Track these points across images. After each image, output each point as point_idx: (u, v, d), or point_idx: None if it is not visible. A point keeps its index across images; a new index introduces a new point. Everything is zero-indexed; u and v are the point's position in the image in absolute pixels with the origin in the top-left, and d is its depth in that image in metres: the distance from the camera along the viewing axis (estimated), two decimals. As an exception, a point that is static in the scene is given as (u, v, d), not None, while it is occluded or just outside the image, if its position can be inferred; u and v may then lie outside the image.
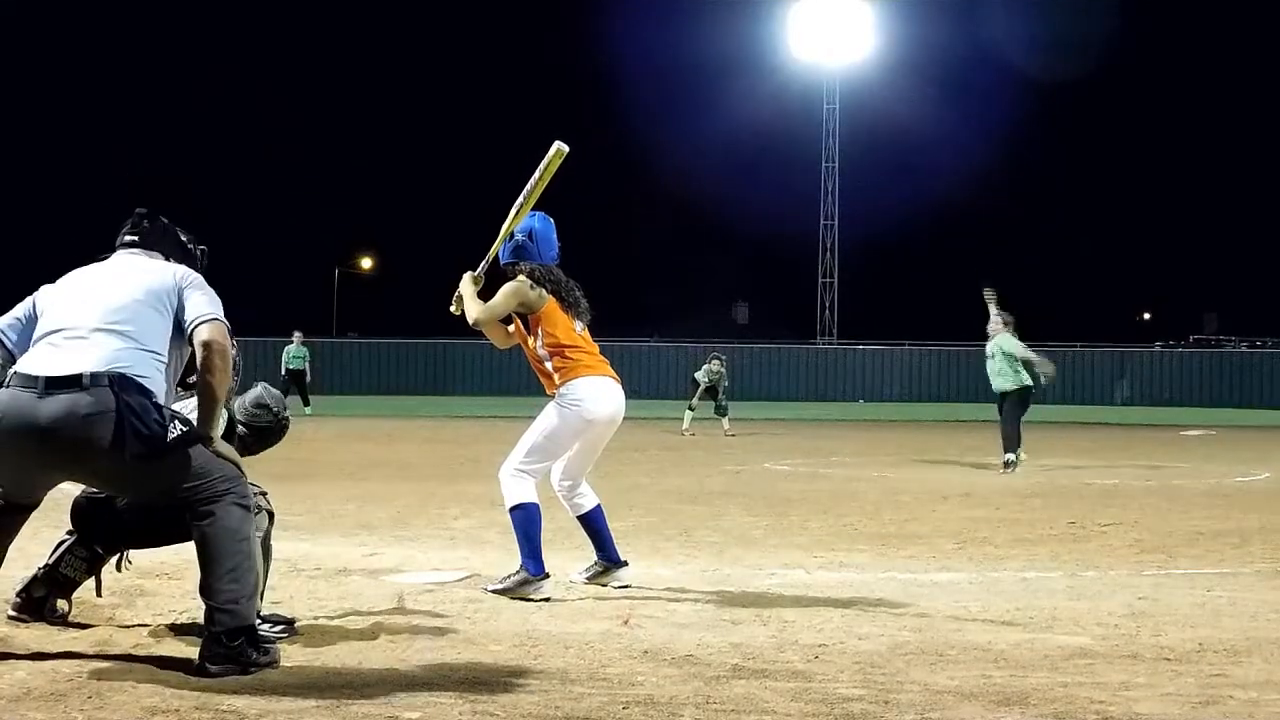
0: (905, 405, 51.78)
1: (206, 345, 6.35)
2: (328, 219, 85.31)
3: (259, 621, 6.47)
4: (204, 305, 6.48)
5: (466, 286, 8.83)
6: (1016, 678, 6.28)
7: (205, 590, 6.22)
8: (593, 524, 9.04)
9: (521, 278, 8.77)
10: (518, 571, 8.46)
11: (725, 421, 30.61)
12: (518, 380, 56.07)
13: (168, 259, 6.78)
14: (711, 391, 30.98)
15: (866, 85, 68.01)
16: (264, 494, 6.99)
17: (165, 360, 6.43)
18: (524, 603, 8.14)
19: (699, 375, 31.25)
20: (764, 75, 68.71)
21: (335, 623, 7.43)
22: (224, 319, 6.48)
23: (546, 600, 8.23)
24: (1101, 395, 55.73)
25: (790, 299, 73.51)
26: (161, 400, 6.33)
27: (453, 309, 8.97)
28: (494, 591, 8.42)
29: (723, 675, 6.28)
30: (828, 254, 67.19)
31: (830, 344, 64.05)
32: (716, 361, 31.37)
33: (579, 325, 8.89)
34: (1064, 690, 6.05)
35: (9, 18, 71.11)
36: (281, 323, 47.07)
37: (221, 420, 6.65)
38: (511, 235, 8.88)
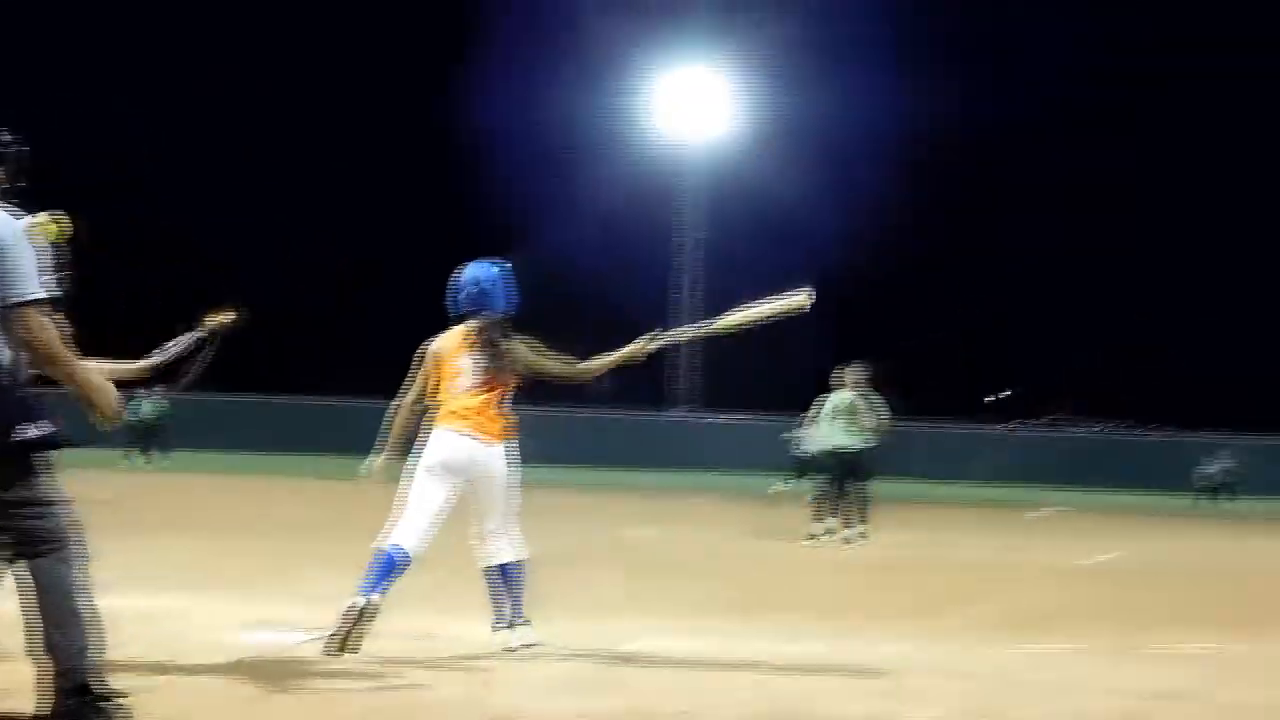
0: (763, 476, 51.99)
1: (26, 343, 5.82)
2: (187, 270, 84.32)
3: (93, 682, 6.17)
4: (17, 279, 5.84)
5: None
6: (868, 749, 6.34)
7: (39, 646, 5.94)
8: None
9: (462, 330, 8.95)
10: None
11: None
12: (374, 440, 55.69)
13: None
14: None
15: (727, 157, 68.49)
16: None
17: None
18: (377, 665, 8.07)
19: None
20: (626, 146, 68.95)
21: (189, 681, 7.34)
22: (38, 290, 5.86)
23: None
24: (956, 472, 56.29)
25: (644, 367, 73.52)
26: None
27: None
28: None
29: (577, 741, 6.28)
30: (684, 324, 67.49)
31: (690, 413, 64.22)
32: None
33: (464, 382, 8.96)
34: (914, 763, 6.11)
35: None
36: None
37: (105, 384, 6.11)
38: (465, 283, 9.02)
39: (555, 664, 8.42)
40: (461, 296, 9.04)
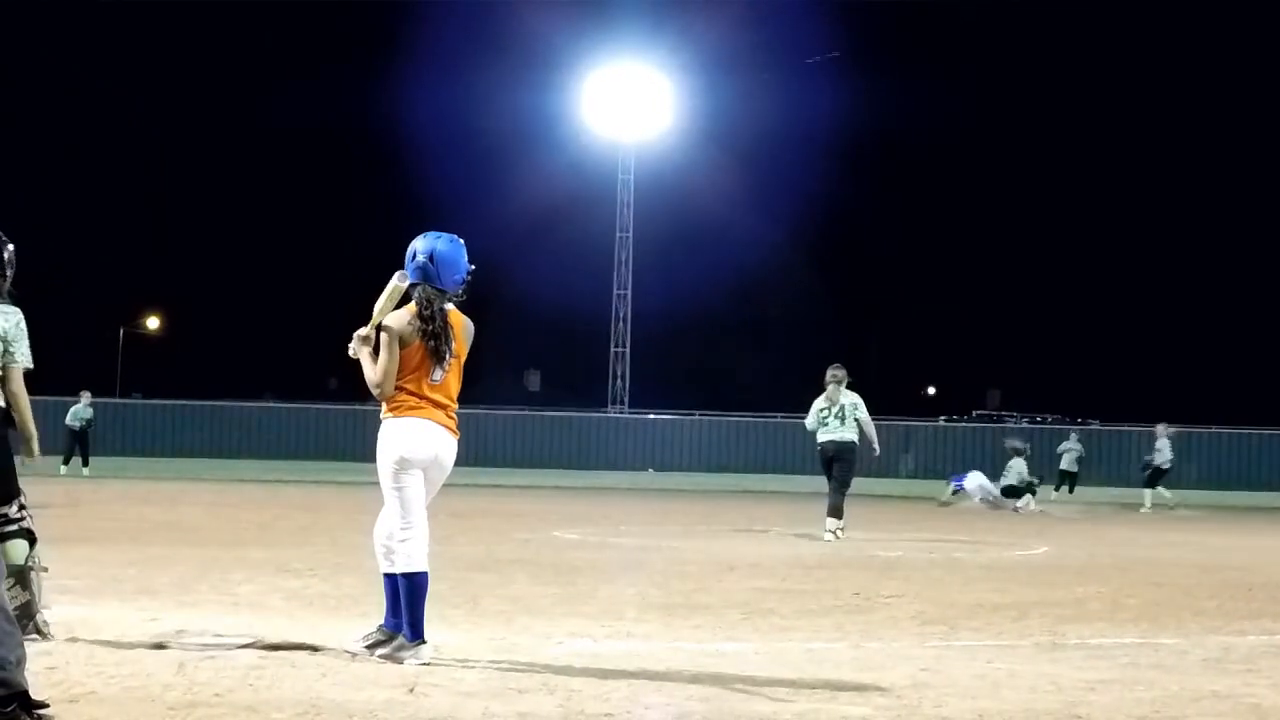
0: (694, 475, 52.05)
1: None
2: (113, 278, 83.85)
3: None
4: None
5: (361, 350, 8.59)
6: (801, 748, 6.32)
7: None
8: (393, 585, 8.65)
9: (410, 309, 8.56)
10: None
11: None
12: (306, 444, 55.52)
13: None
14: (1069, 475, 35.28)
15: (662, 156, 68.56)
16: None
17: None
18: (309, 670, 8.02)
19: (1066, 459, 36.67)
20: (560, 145, 68.93)
21: (114, 691, 7.26)
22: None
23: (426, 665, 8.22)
24: (887, 467, 56.50)
25: (582, 367, 73.72)
26: None
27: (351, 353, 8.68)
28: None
29: (509, 745, 6.24)
30: (620, 323, 67.49)
31: (621, 413, 64.23)
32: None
33: (438, 374, 8.60)
34: (847, 760, 6.11)
35: None
36: (67, 382, 46.02)
37: None
38: (414, 255, 8.71)
39: (488, 667, 8.37)
40: (410, 267, 8.71)
